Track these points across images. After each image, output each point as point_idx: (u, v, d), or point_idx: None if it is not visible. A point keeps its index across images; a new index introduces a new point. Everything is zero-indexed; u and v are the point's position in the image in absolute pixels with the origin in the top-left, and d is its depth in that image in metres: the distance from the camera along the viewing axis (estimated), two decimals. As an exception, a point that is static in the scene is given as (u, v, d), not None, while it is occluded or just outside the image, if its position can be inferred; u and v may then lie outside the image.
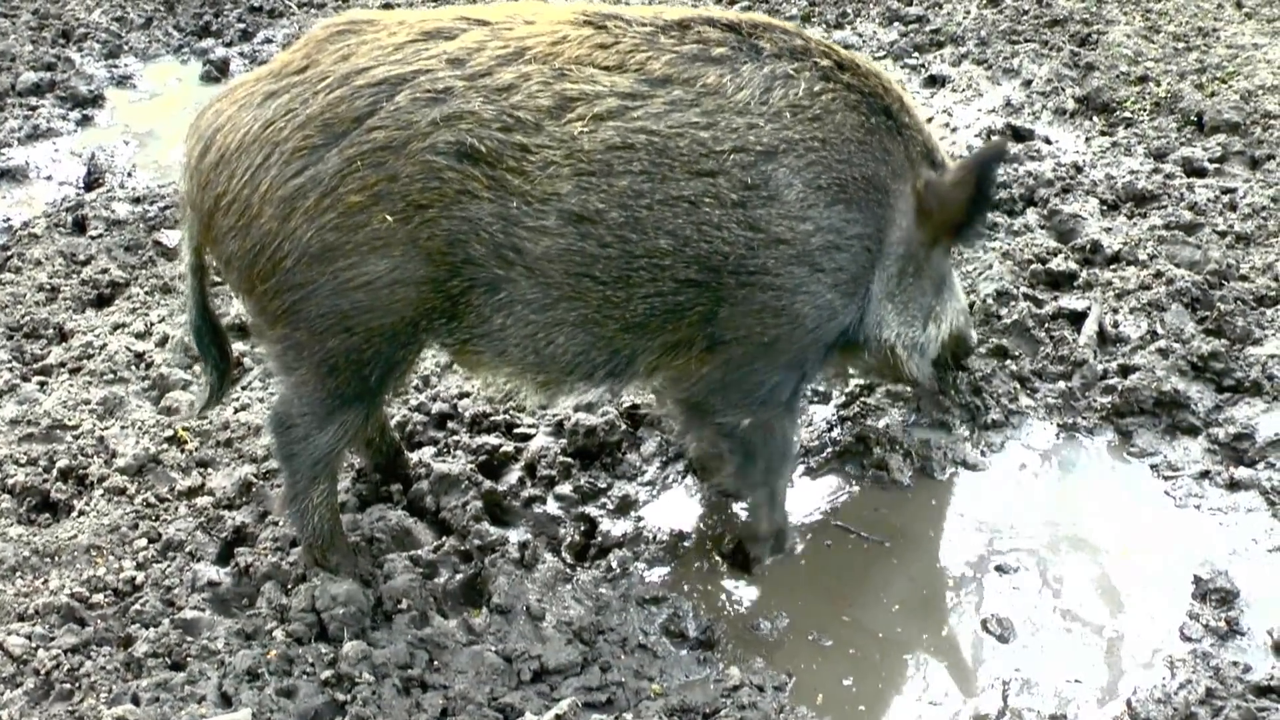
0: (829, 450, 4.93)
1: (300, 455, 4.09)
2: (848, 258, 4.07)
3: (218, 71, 7.96)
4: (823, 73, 4.02)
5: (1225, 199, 6.09)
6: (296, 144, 3.69)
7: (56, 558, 4.32)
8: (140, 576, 4.27)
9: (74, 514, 4.54)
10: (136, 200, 6.50)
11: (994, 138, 6.68)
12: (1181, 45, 7.45)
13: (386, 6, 8.63)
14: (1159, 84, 7.04)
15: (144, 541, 4.41)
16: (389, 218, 3.69)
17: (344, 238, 3.71)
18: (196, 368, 5.26)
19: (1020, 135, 6.80)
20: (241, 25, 8.43)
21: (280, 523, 4.47)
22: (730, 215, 3.87)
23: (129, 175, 6.87)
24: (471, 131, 3.68)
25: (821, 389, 5.15)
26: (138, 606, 4.15)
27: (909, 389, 5.04)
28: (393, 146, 3.66)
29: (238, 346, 5.34)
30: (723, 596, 4.39)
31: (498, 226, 3.74)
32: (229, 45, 8.28)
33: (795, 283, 4.01)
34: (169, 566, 4.31)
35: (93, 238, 6.18)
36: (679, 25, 3.95)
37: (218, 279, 4.83)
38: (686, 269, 3.90)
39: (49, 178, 6.94)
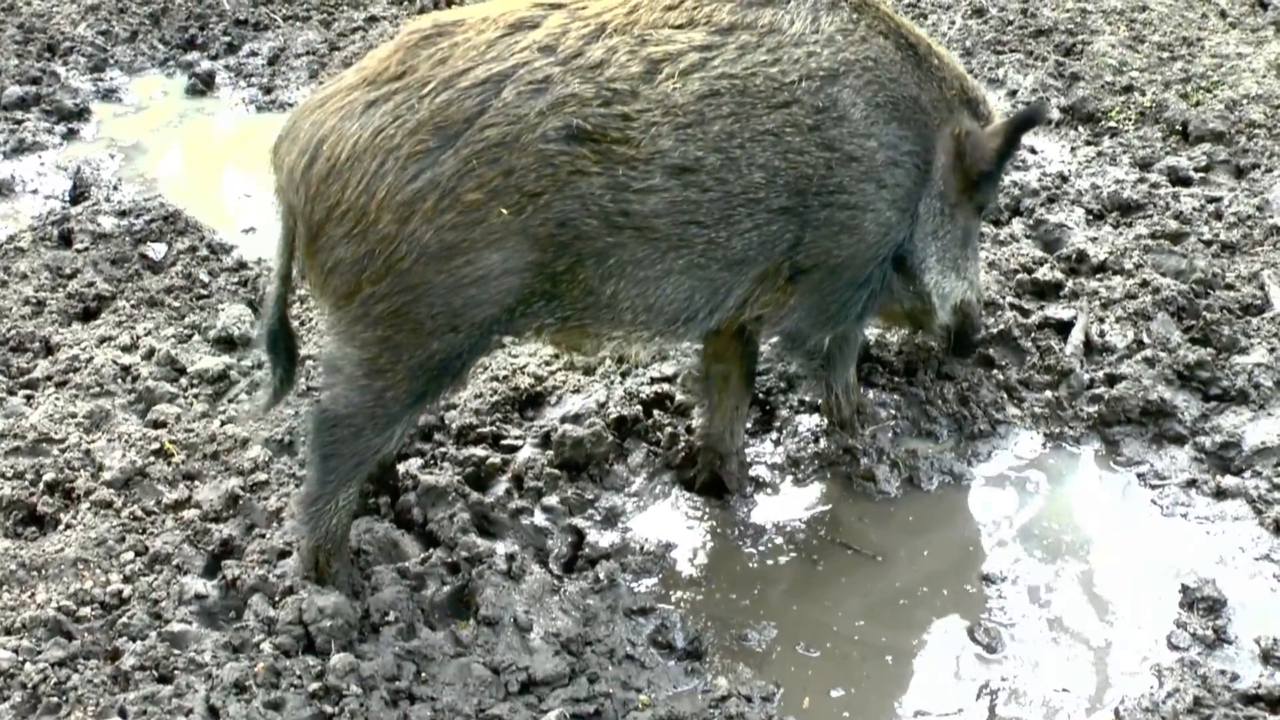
0: (817, 461, 4.93)
1: (344, 455, 4.09)
2: (903, 173, 4.36)
3: (203, 84, 7.95)
4: (854, 5, 4.33)
5: (1210, 208, 6.11)
6: (411, 149, 3.78)
7: (43, 571, 4.31)
8: (127, 590, 4.25)
9: (61, 527, 4.53)
10: (122, 213, 6.48)
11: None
12: (1166, 55, 7.48)
13: (372, 20, 8.64)
14: (1144, 93, 7.06)
15: (131, 555, 4.40)
16: (504, 211, 3.82)
17: (461, 236, 3.81)
18: (183, 381, 5.26)
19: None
20: (227, 38, 8.43)
21: (268, 535, 4.46)
22: (809, 139, 4.13)
23: (115, 189, 6.85)
24: (576, 113, 3.85)
25: (808, 398, 5.15)
26: (125, 620, 4.13)
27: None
28: (506, 142, 3.80)
29: (223, 359, 5.34)
30: (711, 607, 4.39)
31: (608, 196, 3.91)
32: (214, 58, 8.28)
33: (865, 200, 4.28)
34: (156, 580, 4.30)
35: (79, 251, 6.17)
36: None
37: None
38: (778, 198, 4.14)
39: (34, 191, 6.93)
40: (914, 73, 4.38)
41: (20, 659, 3.93)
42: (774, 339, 4.64)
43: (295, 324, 5.46)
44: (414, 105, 3.81)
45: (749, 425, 5.06)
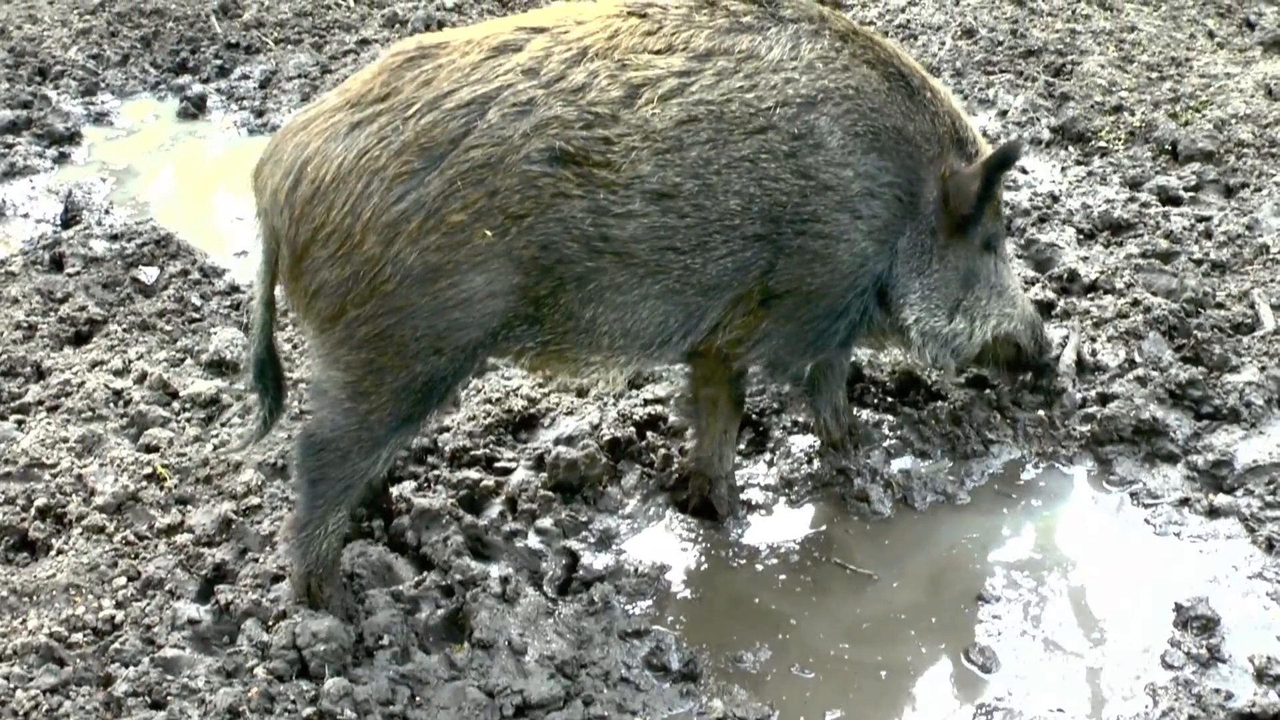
0: (810, 482, 4.93)
1: (331, 479, 4.09)
2: (880, 205, 4.32)
3: (195, 108, 7.96)
4: (840, 33, 4.33)
5: (1200, 227, 6.13)
6: (396, 170, 3.79)
7: (35, 597, 4.29)
8: (120, 615, 4.24)
9: (52, 553, 4.51)
10: (114, 237, 6.48)
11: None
12: (1155, 75, 7.51)
13: (364, 43, 8.65)
14: (1133, 113, 7.09)
15: (123, 580, 4.38)
16: (488, 233, 3.83)
17: (446, 257, 3.82)
18: (175, 405, 5.25)
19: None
20: (218, 62, 8.44)
21: (261, 559, 4.45)
22: (785, 166, 4.13)
23: (106, 212, 6.85)
24: (559, 135, 3.87)
25: (800, 419, 5.15)
26: (117, 645, 4.11)
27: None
28: (490, 163, 3.82)
29: (215, 383, 5.33)
30: (705, 629, 4.38)
31: (589, 220, 3.93)
32: (206, 81, 8.29)
33: (839, 229, 4.25)
34: (149, 605, 4.28)
35: (70, 275, 6.16)
36: (707, 3, 4.23)
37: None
38: (753, 225, 4.15)
39: (26, 215, 6.92)
40: (903, 104, 4.36)
41: (12, 686, 3.91)
42: (755, 365, 4.62)
43: (287, 347, 5.47)
44: (399, 127, 3.81)
45: (742, 446, 5.06)
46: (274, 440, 4.95)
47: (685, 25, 4.12)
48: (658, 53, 4.05)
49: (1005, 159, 4.50)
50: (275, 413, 4.34)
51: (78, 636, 4.15)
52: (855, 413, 5.14)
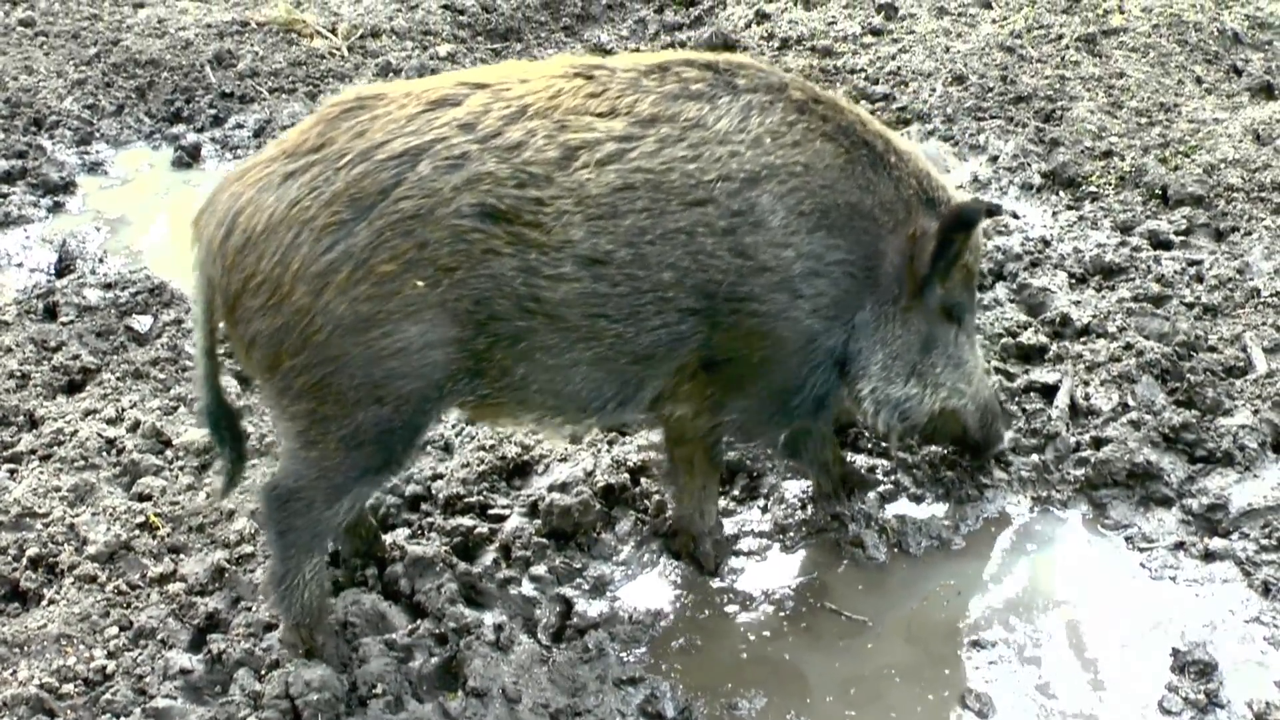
0: (804, 528, 4.92)
1: (299, 529, 4.08)
2: (828, 283, 4.20)
3: (189, 157, 7.97)
4: (799, 105, 4.20)
5: (1192, 271, 6.15)
6: (325, 220, 3.76)
7: (26, 647, 4.27)
8: (111, 665, 4.22)
9: (44, 603, 4.49)
10: (108, 286, 6.48)
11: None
12: (1144, 120, 7.55)
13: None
14: (1123, 158, 7.12)
15: (115, 630, 4.36)
16: (420, 283, 3.78)
17: (376, 307, 3.78)
18: (168, 453, 5.24)
19: (988, 211, 6.85)
20: (213, 111, 8.47)
21: (254, 608, 4.43)
22: (721, 243, 4.02)
23: (100, 261, 6.85)
24: (491, 192, 3.81)
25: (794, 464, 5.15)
26: (109, 696, 4.09)
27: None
28: (420, 215, 3.77)
29: (208, 432, 5.31)
30: (700, 676, 4.36)
31: (520, 280, 3.87)
32: (200, 131, 8.31)
33: (777, 309, 4.15)
34: (140, 655, 4.26)
35: (64, 324, 6.16)
36: (659, 68, 4.14)
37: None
38: (687, 298, 4.05)
39: (20, 264, 6.92)
40: (861, 176, 4.22)
41: (3, 737, 3.89)
42: (725, 434, 4.56)
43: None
44: (330, 177, 3.79)
45: (735, 492, 5.06)
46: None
47: (631, 89, 4.04)
48: (599, 115, 3.97)
49: (961, 220, 4.29)
50: (239, 463, 4.32)
51: (69, 687, 4.13)
52: (850, 458, 5.13)
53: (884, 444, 5.13)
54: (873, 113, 7.88)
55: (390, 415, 3.92)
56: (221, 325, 4.01)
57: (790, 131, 4.13)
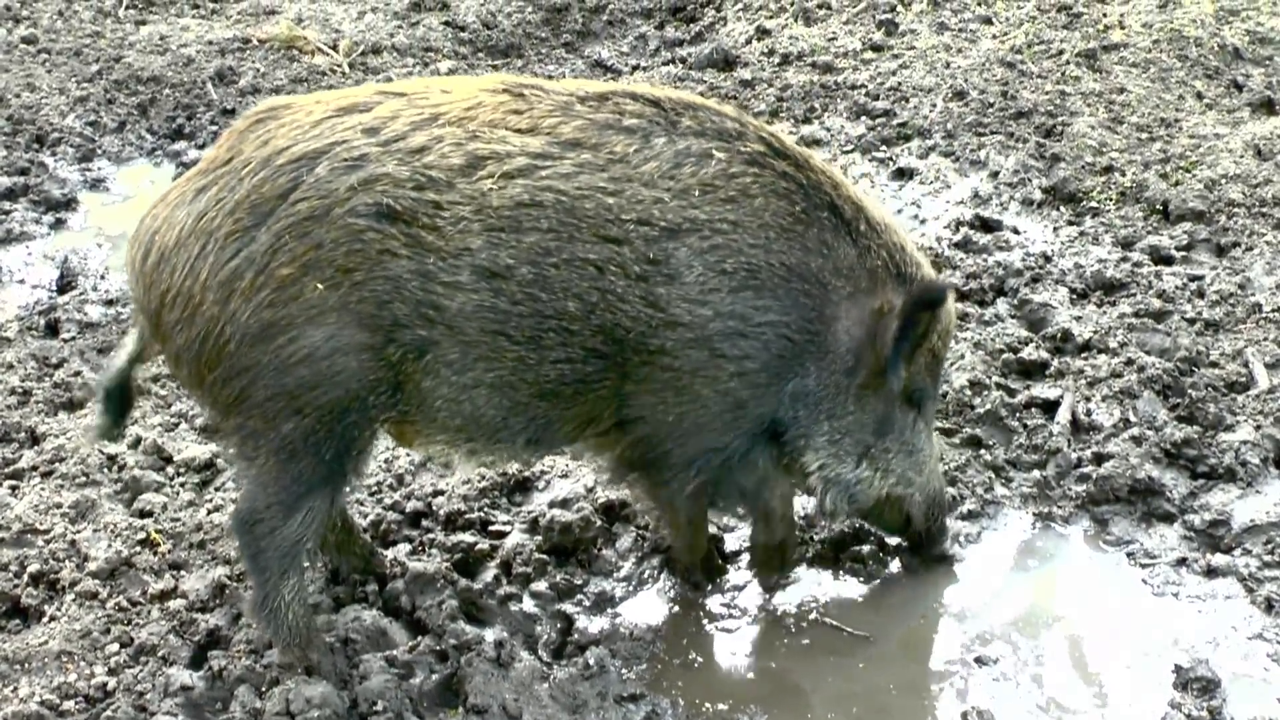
0: (806, 544, 4.91)
1: (268, 551, 4.08)
2: (756, 346, 4.04)
3: (191, 173, 7.98)
4: (749, 157, 4.02)
5: (1193, 286, 6.15)
6: (229, 229, 3.77)
7: (26, 664, 4.27)
8: (112, 682, 4.22)
9: (45, 619, 4.49)
10: (109, 303, 6.49)
11: (963, 230, 6.73)
12: (1145, 135, 7.56)
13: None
14: (1124, 174, 7.13)
15: (116, 646, 4.36)
16: (319, 285, 3.75)
17: (279, 313, 3.77)
18: (169, 470, 5.24)
19: (989, 226, 6.86)
20: (214, 128, 8.46)
21: (255, 624, 4.43)
22: (633, 289, 3.90)
23: (102, 278, 6.86)
24: (387, 192, 3.76)
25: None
26: (109, 713, 4.09)
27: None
28: (316, 215, 3.74)
29: (210, 448, 5.31)
30: (701, 692, 4.35)
31: (417, 284, 3.79)
32: (201, 148, 8.30)
33: (694, 366, 4.01)
34: (141, 671, 4.26)
35: (65, 340, 6.16)
36: (598, 96, 4.02)
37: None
38: (593, 337, 3.93)
39: (21, 281, 6.92)
40: (814, 239, 4.03)
41: (3, 754, 3.88)
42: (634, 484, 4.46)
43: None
44: (234, 187, 3.80)
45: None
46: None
47: (559, 112, 3.93)
48: (517, 131, 3.87)
49: (925, 300, 4.07)
50: (116, 423, 4.42)
51: (69, 704, 4.12)
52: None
53: (823, 521, 4.85)
54: (873, 128, 7.90)
55: (314, 427, 3.89)
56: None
57: (728, 185, 3.96)
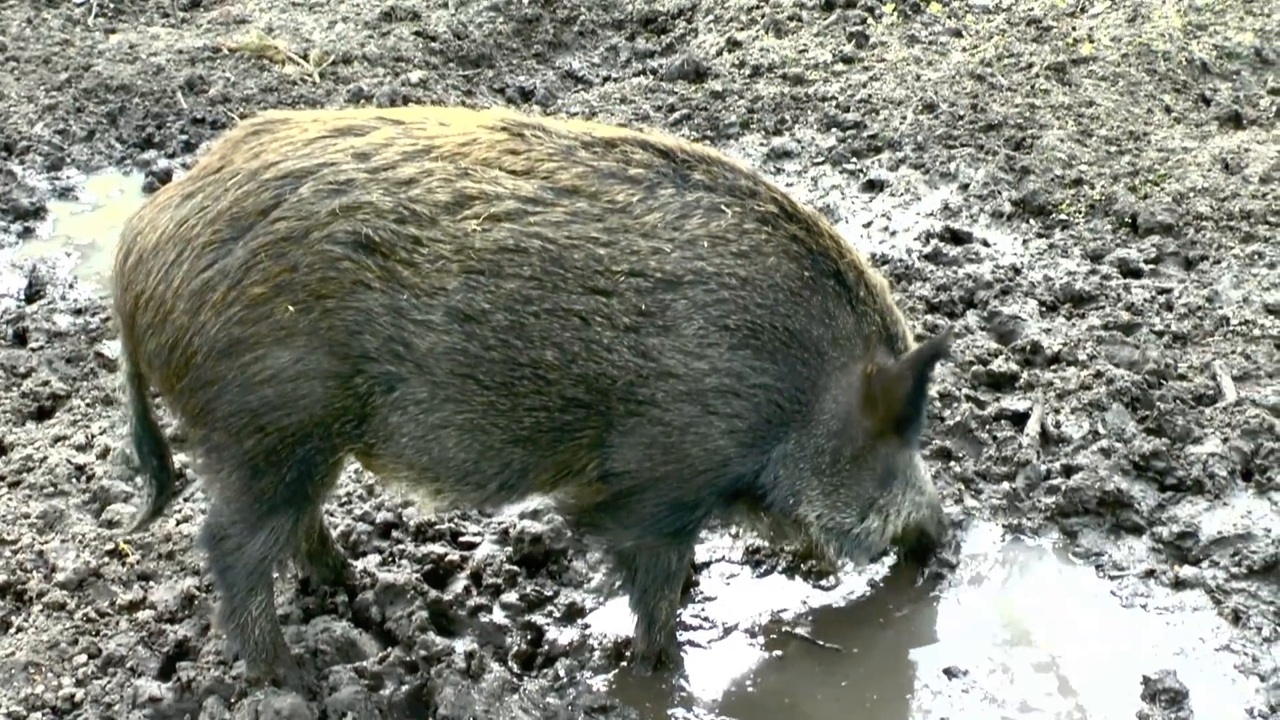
0: (775, 556, 4.92)
1: (234, 567, 4.07)
2: (747, 406, 3.98)
3: (160, 183, 7.93)
4: (762, 216, 3.97)
5: (1161, 299, 6.19)
6: (207, 239, 3.74)
7: (-7, 676, 4.24)
8: (80, 694, 4.19)
9: (12, 630, 4.46)
10: (78, 312, 6.47)
11: (933, 242, 6.76)
12: (1114, 149, 7.61)
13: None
14: (1093, 187, 7.17)
15: (84, 657, 4.33)
16: (291, 308, 3.71)
17: (248, 330, 3.73)
18: (138, 480, 5.20)
19: (959, 238, 6.89)
20: (184, 137, 8.45)
21: (223, 635, 4.41)
22: (621, 339, 3.82)
23: (70, 287, 6.83)
24: (367, 221, 3.71)
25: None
26: (76, 725, 4.07)
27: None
28: (293, 237, 3.70)
29: (179, 458, 5.28)
30: (671, 705, 4.35)
31: (388, 319, 3.74)
32: (171, 157, 8.29)
33: (685, 420, 3.93)
34: (109, 683, 4.23)
35: (33, 350, 6.13)
36: (605, 142, 3.94)
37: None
38: (574, 387, 3.85)
39: (-11, 290, 6.90)
40: (819, 306, 4.00)
41: (-31, 767, 3.85)
42: (565, 516, 4.43)
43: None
44: (218, 197, 3.77)
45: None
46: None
47: (560, 156, 3.85)
48: (511, 172, 3.80)
49: (936, 354, 4.15)
50: (164, 491, 4.32)
51: (36, 716, 4.10)
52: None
53: (841, 566, 4.80)
54: (843, 140, 7.93)
55: (276, 446, 3.85)
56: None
57: (740, 240, 3.90)
